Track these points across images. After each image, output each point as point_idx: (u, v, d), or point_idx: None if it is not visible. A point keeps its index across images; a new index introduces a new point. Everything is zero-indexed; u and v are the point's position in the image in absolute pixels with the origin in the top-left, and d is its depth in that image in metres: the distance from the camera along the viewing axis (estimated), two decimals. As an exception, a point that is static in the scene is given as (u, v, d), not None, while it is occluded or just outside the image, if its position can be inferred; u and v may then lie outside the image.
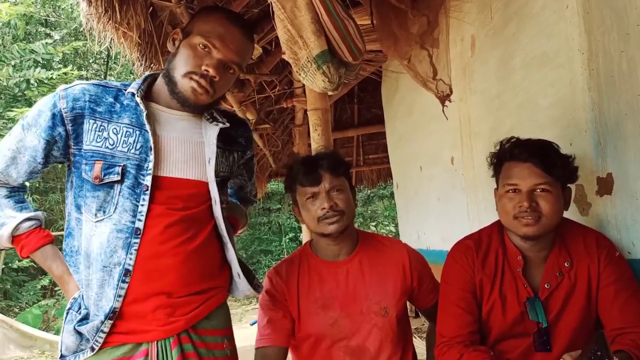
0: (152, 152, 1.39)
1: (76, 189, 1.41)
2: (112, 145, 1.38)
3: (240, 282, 1.55)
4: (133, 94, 1.43)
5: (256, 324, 1.72)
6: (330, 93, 2.11)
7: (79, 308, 1.38)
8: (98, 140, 1.38)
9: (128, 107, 1.42)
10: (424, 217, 4.26)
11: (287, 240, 13.59)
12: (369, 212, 14.85)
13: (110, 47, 1.95)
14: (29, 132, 1.39)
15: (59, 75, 8.63)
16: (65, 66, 9.33)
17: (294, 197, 1.75)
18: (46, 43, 8.89)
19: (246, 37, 1.49)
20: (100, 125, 1.39)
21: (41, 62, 9.10)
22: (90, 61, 12.62)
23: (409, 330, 1.82)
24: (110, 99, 1.42)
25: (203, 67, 1.40)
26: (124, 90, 1.45)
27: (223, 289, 1.55)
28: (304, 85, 3.65)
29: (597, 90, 1.74)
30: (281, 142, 6.02)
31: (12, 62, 8.39)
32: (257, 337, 1.71)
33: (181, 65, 1.42)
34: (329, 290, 1.72)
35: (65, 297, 1.44)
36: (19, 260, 8.75)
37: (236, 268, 1.54)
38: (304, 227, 5.23)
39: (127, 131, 1.40)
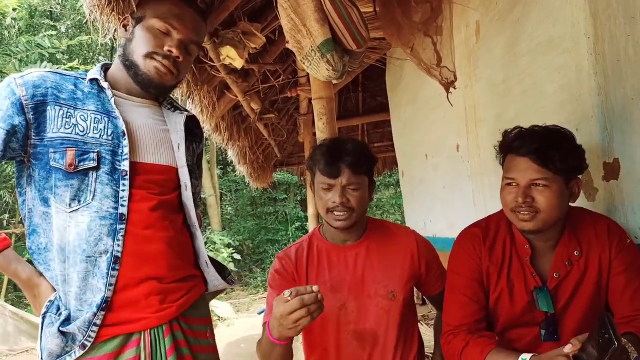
0: (126, 137, 1.38)
1: (41, 182, 1.33)
2: (83, 132, 1.34)
3: (209, 271, 1.55)
4: (96, 81, 1.41)
5: (264, 314, 1.73)
6: (334, 82, 2.11)
7: (58, 310, 1.32)
8: (67, 127, 1.33)
9: (90, 94, 1.40)
10: (430, 205, 4.25)
11: (294, 229, 13.65)
12: (375, 200, 14.83)
13: (115, 39, 1.94)
14: None
15: (65, 69, 8.61)
16: (71, 59, 9.32)
17: (312, 177, 1.74)
18: (51, 35, 8.86)
19: (200, 17, 1.51)
20: (67, 112, 1.34)
21: (47, 56, 9.10)
22: (97, 53, 12.61)
23: (415, 316, 1.83)
24: (71, 87, 1.39)
25: (166, 48, 1.41)
26: (81, 79, 1.43)
27: (201, 279, 1.56)
28: (308, 74, 3.63)
29: (604, 75, 1.72)
30: (286, 131, 6.02)
31: (19, 56, 8.38)
32: (265, 312, 1.71)
33: (141, 47, 1.42)
34: (338, 274, 1.72)
35: (37, 301, 1.35)
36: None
37: (204, 257, 1.54)
38: (310, 216, 5.25)
39: (95, 118, 1.37)
